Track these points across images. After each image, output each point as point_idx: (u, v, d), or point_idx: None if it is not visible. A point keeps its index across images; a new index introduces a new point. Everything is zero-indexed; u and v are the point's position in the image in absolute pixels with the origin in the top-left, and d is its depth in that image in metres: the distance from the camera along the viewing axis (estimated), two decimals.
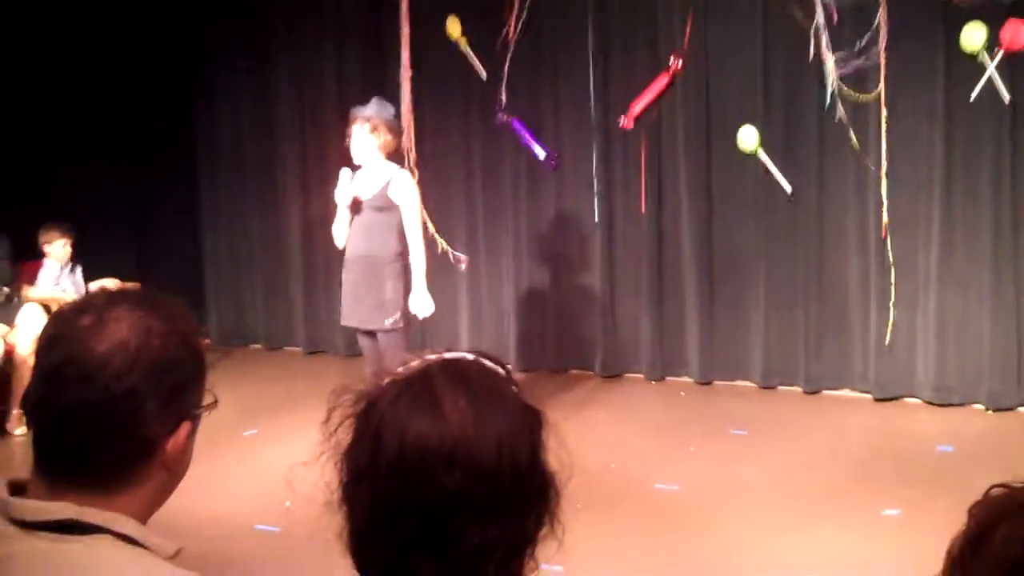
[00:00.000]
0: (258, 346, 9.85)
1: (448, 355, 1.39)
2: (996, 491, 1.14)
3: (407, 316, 6.30)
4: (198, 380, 1.54)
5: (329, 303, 9.33)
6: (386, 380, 1.37)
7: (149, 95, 9.35)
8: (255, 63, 9.54)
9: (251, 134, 9.70)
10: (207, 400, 1.57)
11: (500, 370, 1.39)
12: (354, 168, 6.40)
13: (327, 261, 9.29)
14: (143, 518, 1.50)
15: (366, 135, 6.29)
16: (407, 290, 6.30)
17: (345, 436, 1.37)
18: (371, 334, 6.33)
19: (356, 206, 6.29)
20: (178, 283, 6.97)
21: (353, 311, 6.38)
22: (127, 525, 1.44)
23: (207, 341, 9.61)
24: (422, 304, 6.31)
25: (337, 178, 8.99)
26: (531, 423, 1.35)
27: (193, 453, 1.57)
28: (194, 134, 9.96)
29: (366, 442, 1.33)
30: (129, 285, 6.44)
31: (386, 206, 6.28)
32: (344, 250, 6.45)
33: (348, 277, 6.42)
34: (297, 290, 9.59)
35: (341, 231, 6.40)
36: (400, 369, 1.38)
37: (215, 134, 9.88)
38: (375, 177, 6.34)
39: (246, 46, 9.54)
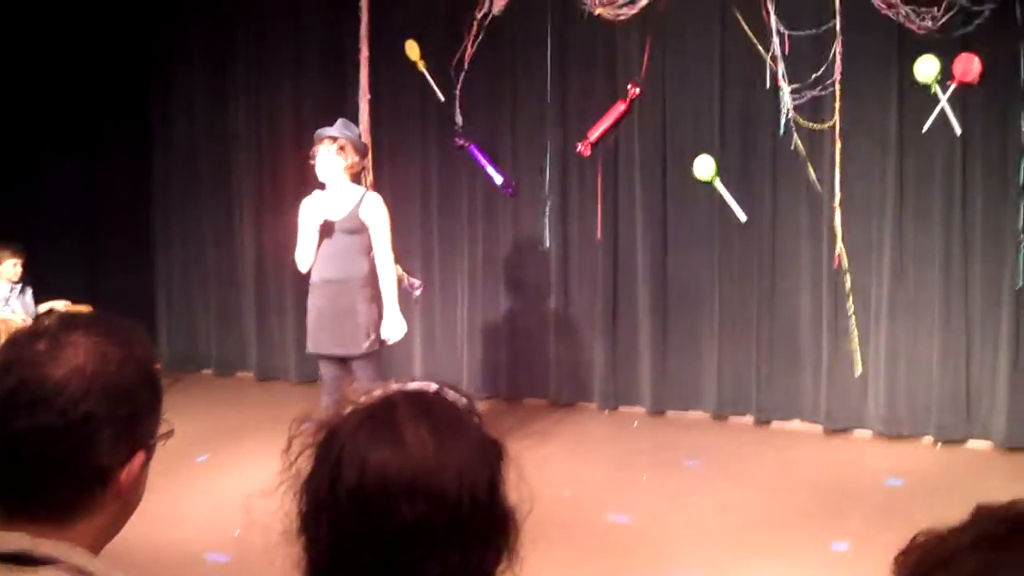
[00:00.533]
0: (209, 371, 9.73)
1: (411, 385, 1.38)
2: (923, 538, 1.11)
3: (379, 340, 6.24)
4: (154, 408, 1.51)
5: (282, 328, 9.28)
6: (347, 409, 1.35)
7: (102, 114, 9.23)
8: (212, 84, 9.48)
9: (206, 155, 9.61)
10: (162, 428, 1.53)
11: (463, 401, 1.38)
12: (316, 190, 6.33)
13: (280, 285, 9.24)
14: (97, 548, 1.46)
15: (333, 156, 6.22)
16: (380, 314, 6.24)
17: (305, 465, 1.34)
18: (339, 361, 6.24)
19: (327, 229, 6.21)
20: (129, 306, 6.88)
21: (323, 337, 6.27)
22: (81, 556, 1.40)
23: (158, 366, 9.50)
24: (395, 327, 6.26)
25: (296, 203, 9.04)
26: (492, 455, 1.34)
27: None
28: (148, 154, 9.85)
29: (326, 471, 1.31)
30: (80, 307, 6.38)
31: (357, 228, 6.23)
32: (309, 274, 6.37)
33: (316, 302, 6.32)
34: (250, 315, 9.49)
35: (307, 255, 6.29)
36: (362, 398, 1.36)
37: (169, 154, 9.78)
38: (344, 199, 6.27)
39: (203, 66, 9.48)
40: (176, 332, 9.84)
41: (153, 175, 9.88)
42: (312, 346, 6.37)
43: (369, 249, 6.25)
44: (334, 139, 6.24)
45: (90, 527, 1.45)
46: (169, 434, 1.54)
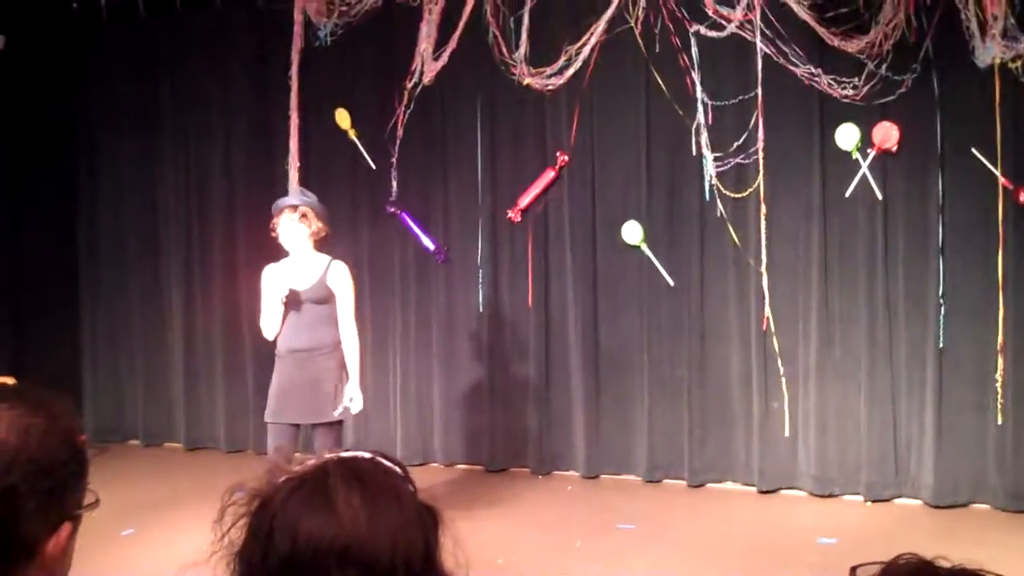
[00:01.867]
0: (137, 442, 9.56)
1: (344, 454, 1.37)
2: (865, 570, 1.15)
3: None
4: (79, 479, 1.49)
5: (211, 397, 9.18)
6: (281, 478, 1.34)
7: (26, 182, 9.12)
8: (139, 151, 9.42)
9: (133, 223, 9.53)
10: (88, 499, 1.51)
11: (397, 469, 1.38)
12: (283, 259, 6.30)
13: (209, 354, 9.16)
14: None
15: (296, 223, 6.18)
16: (346, 381, 6.21)
17: (238, 535, 1.33)
18: (295, 429, 6.19)
19: (293, 299, 6.17)
20: (54, 376, 6.75)
21: (288, 406, 6.20)
22: None
23: (83, 437, 9.31)
24: (357, 397, 6.22)
25: (224, 271, 9.00)
26: (426, 522, 1.34)
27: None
28: (74, 221, 9.75)
29: (258, 540, 1.30)
30: (3, 379, 6.23)
31: (325, 297, 6.21)
32: (266, 341, 6.33)
33: (284, 371, 6.25)
34: (178, 384, 9.37)
35: (273, 324, 6.23)
36: (295, 468, 1.35)
37: (96, 222, 9.69)
38: (309, 267, 6.24)
39: (130, 133, 9.43)
40: (103, 402, 9.68)
41: (78, 243, 9.78)
42: (273, 416, 6.25)
43: (335, 318, 6.23)
44: (294, 207, 6.22)
45: None
46: (94, 504, 1.51)
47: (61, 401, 1.51)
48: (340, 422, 6.24)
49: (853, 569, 1.16)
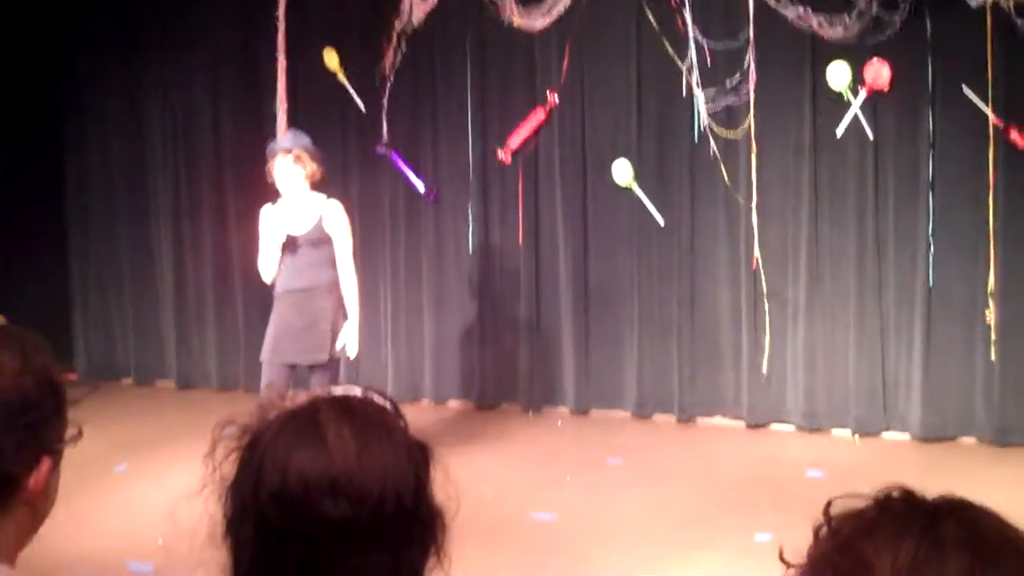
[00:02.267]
0: (128, 380, 9.59)
1: (336, 390, 1.39)
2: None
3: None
4: (58, 415, 1.49)
5: (202, 336, 9.19)
6: (272, 414, 1.36)
7: (13, 120, 9.03)
8: (125, 91, 9.35)
9: (121, 163, 9.48)
10: (70, 432, 1.52)
11: (388, 405, 1.40)
12: (275, 202, 6.28)
13: (199, 293, 9.17)
14: (11, 558, 1.45)
15: (291, 166, 6.17)
16: (343, 322, 6.23)
17: (229, 469, 1.35)
18: (290, 369, 6.23)
19: (291, 242, 6.17)
20: (44, 315, 6.75)
21: (287, 346, 6.22)
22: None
23: (73, 375, 9.34)
24: (354, 340, 6.23)
25: (212, 210, 8.98)
26: (417, 457, 1.35)
27: (60, 490, 1.52)
28: (62, 161, 9.68)
29: (249, 474, 1.31)
30: None
31: (322, 240, 6.21)
32: (273, 284, 6.34)
33: (282, 311, 6.28)
34: (168, 323, 9.37)
35: (270, 267, 6.25)
36: (287, 403, 1.37)
37: (84, 161, 9.63)
38: (306, 211, 6.23)
39: (117, 73, 9.35)
40: (93, 341, 9.70)
41: (67, 184, 9.72)
42: (271, 355, 6.27)
43: (333, 258, 6.23)
44: (288, 150, 6.19)
45: (1, 536, 1.43)
46: (77, 436, 1.52)
47: (34, 337, 1.50)
48: (336, 362, 6.26)
49: (828, 503, 1.19)
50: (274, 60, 8.59)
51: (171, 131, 9.25)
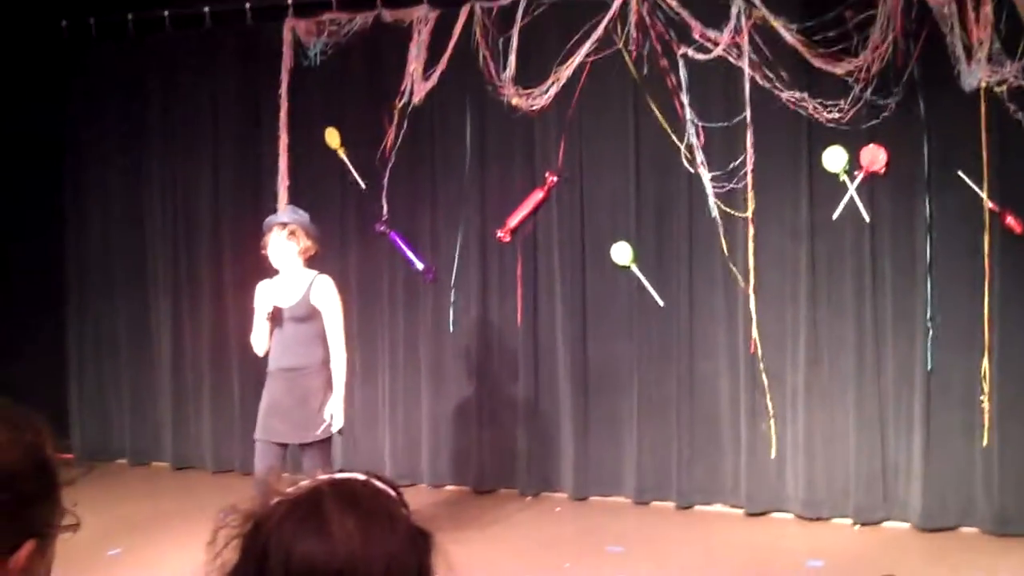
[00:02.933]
0: (124, 461, 9.52)
1: (338, 475, 1.37)
2: None
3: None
4: (46, 496, 1.44)
5: (198, 417, 9.14)
6: (274, 500, 1.33)
7: (12, 198, 9.06)
8: (127, 169, 9.40)
9: (121, 242, 9.49)
10: (68, 520, 1.48)
11: (391, 491, 1.37)
12: (272, 277, 6.30)
13: (196, 373, 9.14)
14: None
15: (285, 241, 6.19)
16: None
17: (231, 557, 1.32)
18: (282, 449, 6.17)
19: (276, 317, 6.16)
20: (40, 394, 6.73)
21: (277, 425, 6.19)
22: None
23: (69, 456, 9.26)
24: (339, 413, 6.19)
25: (212, 290, 8.98)
26: (420, 545, 1.33)
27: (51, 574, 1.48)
28: (61, 239, 9.70)
29: (252, 562, 1.29)
30: None
31: (309, 315, 6.19)
32: (255, 359, 6.34)
33: (272, 390, 6.26)
34: (165, 403, 9.33)
35: (261, 340, 6.25)
36: (289, 489, 1.35)
37: (83, 241, 9.65)
38: (296, 284, 6.23)
39: (118, 151, 9.40)
40: (89, 421, 9.63)
41: (65, 262, 9.72)
42: (262, 433, 6.24)
43: (323, 335, 6.21)
44: (284, 225, 6.22)
45: None
46: (74, 527, 1.48)
47: (29, 415, 1.47)
48: (328, 441, 6.22)
49: None
50: (276, 137, 8.67)
51: (171, 207, 9.28)
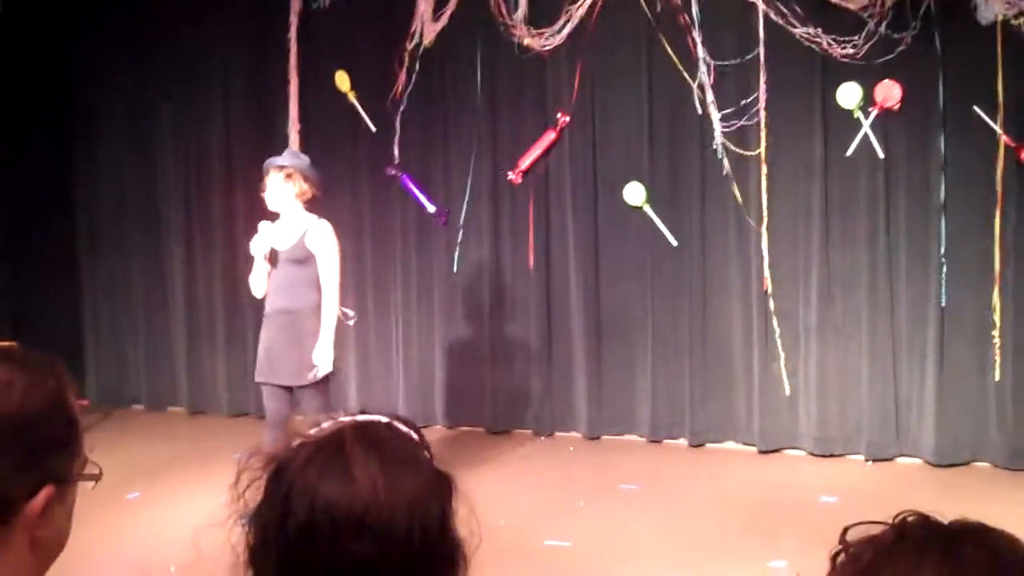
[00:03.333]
0: (140, 407, 9.60)
1: (361, 418, 1.37)
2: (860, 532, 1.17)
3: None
4: (66, 442, 1.44)
5: (213, 362, 9.19)
6: (297, 442, 1.34)
7: (24, 145, 9.08)
8: (137, 117, 9.39)
9: (133, 188, 9.50)
10: (91, 470, 1.47)
11: (413, 434, 1.38)
12: (273, 220, 6.30)
13: (211, 319, 9.17)
14: None
15: (281, 183, 6.15)
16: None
17: (254, 498, 1.33)
18: (285, 393, 6.18)
19: (272, 258, 6.17)
20: (56, 342, 6.76)
21: (271, 368, 6.19)
22: None
23: (86, 402, 9.33)
24: (325, 359, 6.18)
25: (225, 235, 8.99)
26: (442, 489, 1.34)
27: (71, 521, 1.48)
28: (72, 188, 9.72)
29: (275, 505, 1.30)
30: (2, 343, 6.21)
31: (304, 258, 6.16)
32: (263, 302, 6.32)
33: (267, 332, 6.26)
34: (180, 349, 9.38)
35: (259, 282, 6.24)
36: (312, 431, 1.35)
37: (95, 189, 9.66)
38: (292, 227, 6.21)
39: (128, 95, 9.38)
40: (105, 367, 9.70)
41: (77, 210, 9.75)
42: (259, 376, 6.27)
43: (318, 280, 6.21)
44: (281, 167, 6.20)
45: (3, 567, 1.39)
46: (96, 476, 1.48)
47: (53, 362, 1.47)
48: (324, 383, 6.21)
49: (845, 529, 1.18)
50: (286, 82, 8.64)
51: (182, 154, 9.27)
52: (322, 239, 6.20)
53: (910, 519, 1.15)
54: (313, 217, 6.27)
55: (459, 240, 8.33)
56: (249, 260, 6.31)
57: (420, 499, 1.29)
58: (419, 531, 1.27)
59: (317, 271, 6.18)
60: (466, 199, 8.27)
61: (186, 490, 6.89)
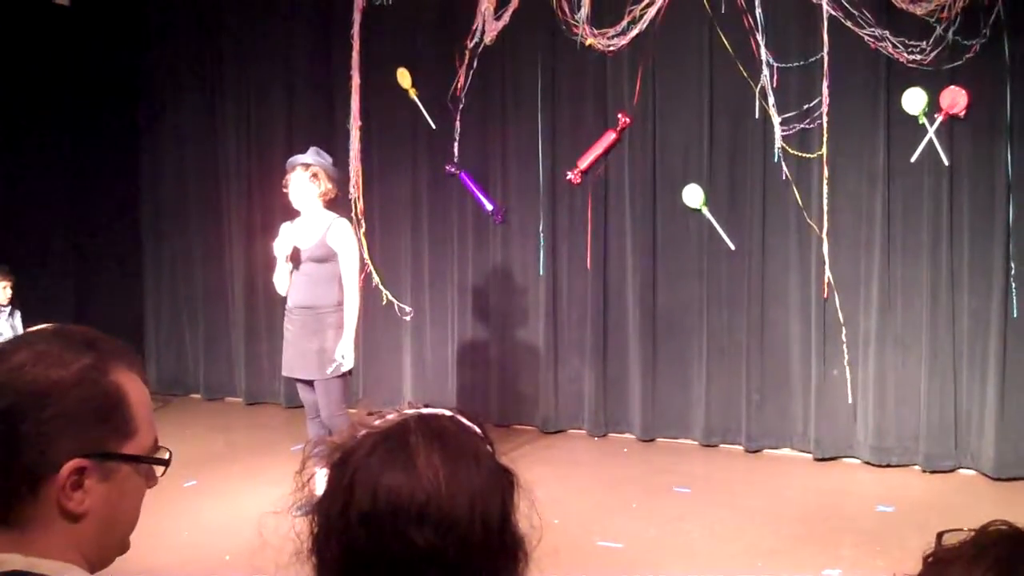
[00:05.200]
0: (198, 396, 9.72)
1: (425, 410, 1.38)
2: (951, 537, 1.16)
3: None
4: (102, 417, 1.42)
5: (271, 353, 9.26)
6: (362, 432, 1.35)
7: (91, 137, 9.24)
8: (201, 111, 9.51)
9: (196, 181, 9.64)
10: (160, 454, 1.48)
11: (476, 428, 1.38)
12: (294, 219, 6.38)
13: (269, 311, 9.25)
14: (84, 567, 1.42)
15: (306, 183, 6.27)
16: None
17: (317, 488, 1.35)
18: (310, 384, 6.29)
19: (295, 257, 6.26)
20: (117, 330, 6.85)
21: (294, 362, 6.36)
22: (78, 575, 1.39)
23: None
24: (348, 355, 6.26)
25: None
26: (504, 483, 1.34)
27: (137, 501, 1.49)
28: (137, 180, 9.88)
29: (338, 493, 1.31)
30: (64, 325, 6.27)
31: (326, 256, 6.26)
32: (286, 299, 6.43)
33: (289, 327, 6.41)
34: (238, 340, 9.49)
35: (282, 281, 6.39)
36: (377, 422, 1.36)
37: (159, 181, 9.81)
38: (314, 226, 6.31)
39: (193, 93, 9.51)
40: (165, 356, 9.84)
41: (142, 201, 9.91)
42: (285, 370, 6.49)
43: (339, 277, 6.28)
44: (307, 166, 6.27)
45: (49, 542, 1.39)
46: (164, 461, 1.48)
47: (105, 340, 1.47)
48: (343, 379, 6.28)
49: (940, 534, 1.17)
50: (348, 78, 8.70)
51: (245, 149, 9.38)
52: (344, 237, 6.29)
53: (1001, 530, 1.15)
54: (333, 215, 6.38)
55: (540, 242, 8.29)
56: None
57: (481, 492, 1.29)
58: (480, 523, 1.28)
59: (337, 268, 6.27)
60: (540, 199, 8.24)
61: (242, 479, 6.98)
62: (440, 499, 1.26)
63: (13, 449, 1.37)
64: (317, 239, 6.27)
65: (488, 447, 1.37)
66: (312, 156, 6.41)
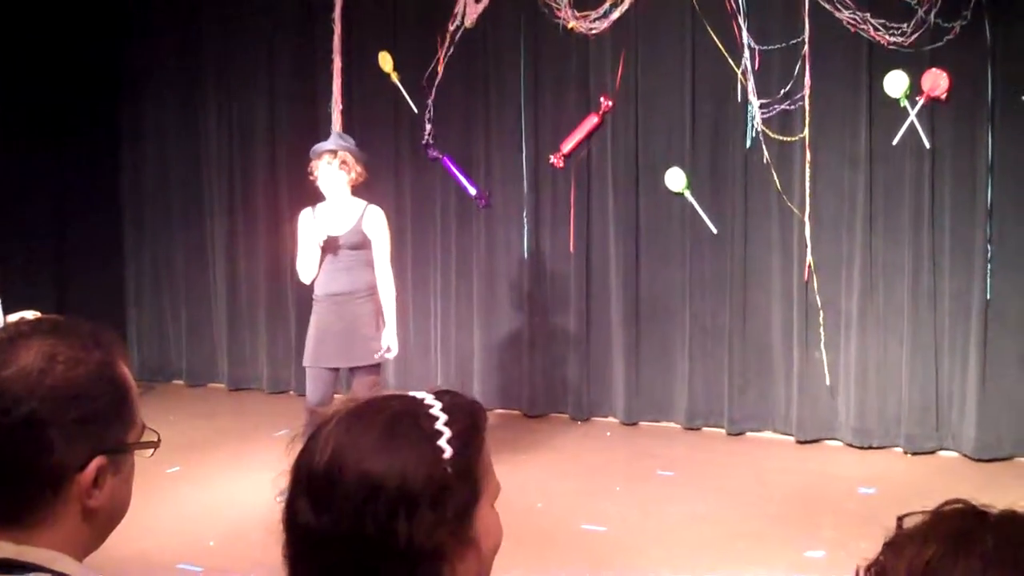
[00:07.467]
0: (181, 382, 9.70)
1: (417, 393, 1.41)
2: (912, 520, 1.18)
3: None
4: (117, 413, 1.45)
5: (253, 339, 9.27)
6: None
7: (71, 125, 9.17)
8: (182, 95, 9.47)
9: (177, 166, 9.60)
10: (148, 437, 1.50)
11: (473, 404, 1.42)
12: (319, 204, 6.32)
13: (252, 297, 9.25)
14: (77, 557, 1.43)
15: (336, 170, 6.19)
16: (382, 327, 6.26)
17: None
18: (335, 374, 6.26)
19: (331, 244, 6.19)
20: (99, 316, 6.81)
21: (326, 350, 6.24)
22: (68, 564, 1.39)
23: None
24: (394, 344, 6.25)
25: (267, 215, 9.05)
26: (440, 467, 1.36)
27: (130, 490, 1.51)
28: (118, 165, 9.83)
29: (306, 450, 1.35)
30: (50, 317, 6.26)
31: (361, 243, 6.23)
32: (307, 284, 6.38)
33: (321, 316, 6.30)
34: (221, 325, 9.47)
35: (309, 268, 6.27)
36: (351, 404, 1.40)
37: (140, 166, 9.77)
38: (347, 213, 6.26)
39: (174, 77, 9.47)
40: (148, 342, 9.82)
41: (122, 186, 9.87)
42: (311, 360, 6.29)
43: (371, 262, 6.25)
44: (334, 153, 6.21)
45: (54, 537, 1.40)
46: (153, 444, 1.50)
47: (103, 334, 1.48)
48: (378, 364, 6.28)
49: (900, 518, 1.18)
50: (330, 62, 8.67)
51: (227, 132, 9.35)
52: (379, 224, 6.27)
53: (956, 508, 1.16)
54: (363, 202, 6.31)
55: (524, 226, 8.29)
56: (293, 242, 6.36)
57: (410, 471, 1.30)
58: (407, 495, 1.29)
59: (370, 255, 6.23)
60: (523, 183, 8.23)
61: (225, 465, 6.97)
62: (374, 466, 1.29)
63: (39, 455, 1.38)
64: (351, 226, 6.23)
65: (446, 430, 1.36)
66: (336, 141, 6.35)
